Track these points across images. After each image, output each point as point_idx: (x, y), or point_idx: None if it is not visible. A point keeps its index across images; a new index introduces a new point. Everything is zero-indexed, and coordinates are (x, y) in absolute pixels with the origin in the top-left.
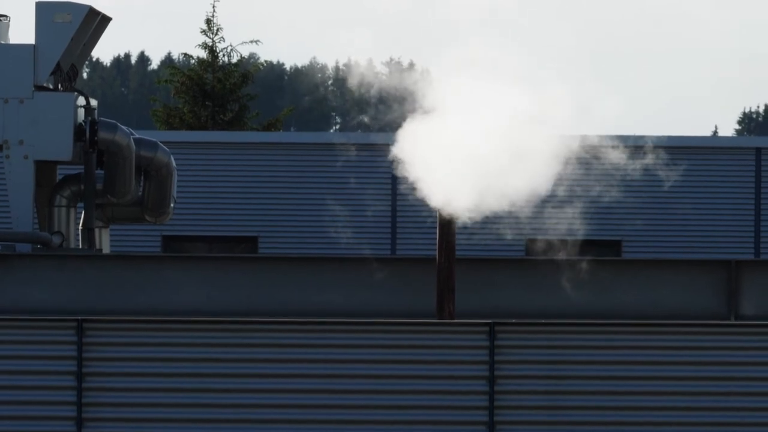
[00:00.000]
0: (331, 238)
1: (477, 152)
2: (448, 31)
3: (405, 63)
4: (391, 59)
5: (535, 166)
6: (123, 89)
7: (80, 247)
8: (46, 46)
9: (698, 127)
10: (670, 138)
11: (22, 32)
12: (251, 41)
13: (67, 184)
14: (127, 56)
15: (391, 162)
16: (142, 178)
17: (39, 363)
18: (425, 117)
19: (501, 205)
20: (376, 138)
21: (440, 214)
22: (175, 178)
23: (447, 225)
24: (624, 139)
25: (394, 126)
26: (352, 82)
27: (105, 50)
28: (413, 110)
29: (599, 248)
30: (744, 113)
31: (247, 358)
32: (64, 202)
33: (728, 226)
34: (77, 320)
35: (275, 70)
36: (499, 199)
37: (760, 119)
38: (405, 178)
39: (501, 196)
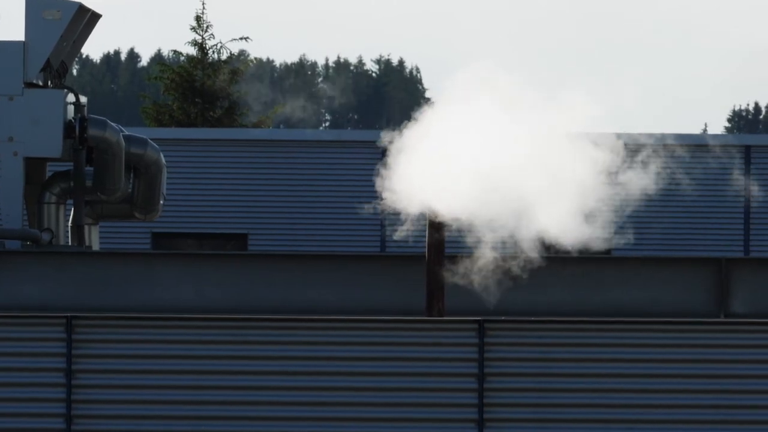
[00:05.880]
0: (320, 235)
1: (469, 152)
2: (443, 28)
3: (395, 61)
4: (381, 56)
5: (528, 166)
6: (113, 86)
7: (70, 244)
8: (35, 42)
9: (688, 125)
10: (660, 136)
11: (12, 29)
12: (241, 38)
13: (56, 181)
14: (117, 53)
15: (382, 159)
16: (132, 175)
17: (28, 360)
18: (418, 116)
19: (493, 208)
20: (366, 135)
21: (430, 212)
22: (165, 175)
23: (436, 223)
24: (614, 137)
25: (383, 123)
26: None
27: (95, 47)
28: (408, 110)
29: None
30: (734, 111)
31: (238, 354)
32: (53, 199)
33: (718, 224)
34: (66, 317)
35: (266, 66)
36: (491, 202)
37: (749, 117)
38: (394, 177)
39: (494, 197)
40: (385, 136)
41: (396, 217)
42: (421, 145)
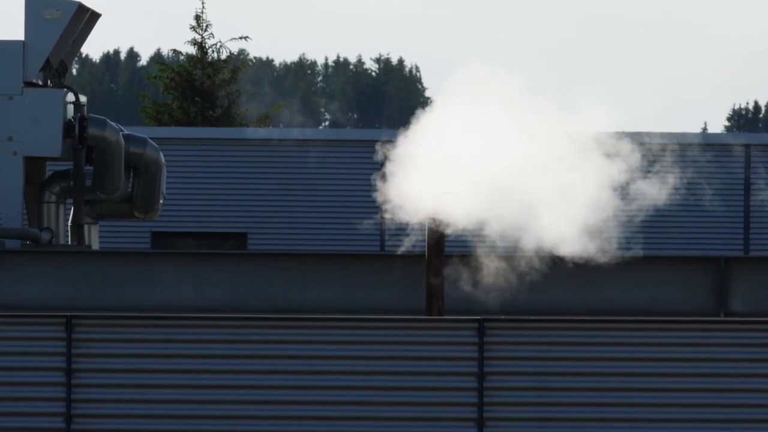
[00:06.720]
0: (320, 234)
1: (470, 156)
2: (441, 29)
3: (394, 60)
4: (380, 56)
5: (528, 166)
6: (112, 85)
7: (69, 243)
8: (35, 42)
9: (687, 124)
10: (658, 135)
11: (11, 28)
12: (240, 37)
13: (56, 181)
14: (117, 52)
15: (382, 158)
16: (131, 174)
17: (28, 359)
18: (417, 119)
19: (493, 209)
20: (367, 134)
21: (429, 213)
22: (165, 174)
23: (436, 223)
24: (612, 136)
25: (383, 123)
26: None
27: (94, 46)
28: (407, 109)
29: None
30: (733, 110)
31: (238, 354)
32: (53, 198)
33: (718, 223)
34: (66, 317)
35: (267, 66)
36: (491, 203)
37: (749, 116)
38: (394, 181)
39: (493, 199)
40: (384, 141)
41: (396, 223)
42: (420, 147)
